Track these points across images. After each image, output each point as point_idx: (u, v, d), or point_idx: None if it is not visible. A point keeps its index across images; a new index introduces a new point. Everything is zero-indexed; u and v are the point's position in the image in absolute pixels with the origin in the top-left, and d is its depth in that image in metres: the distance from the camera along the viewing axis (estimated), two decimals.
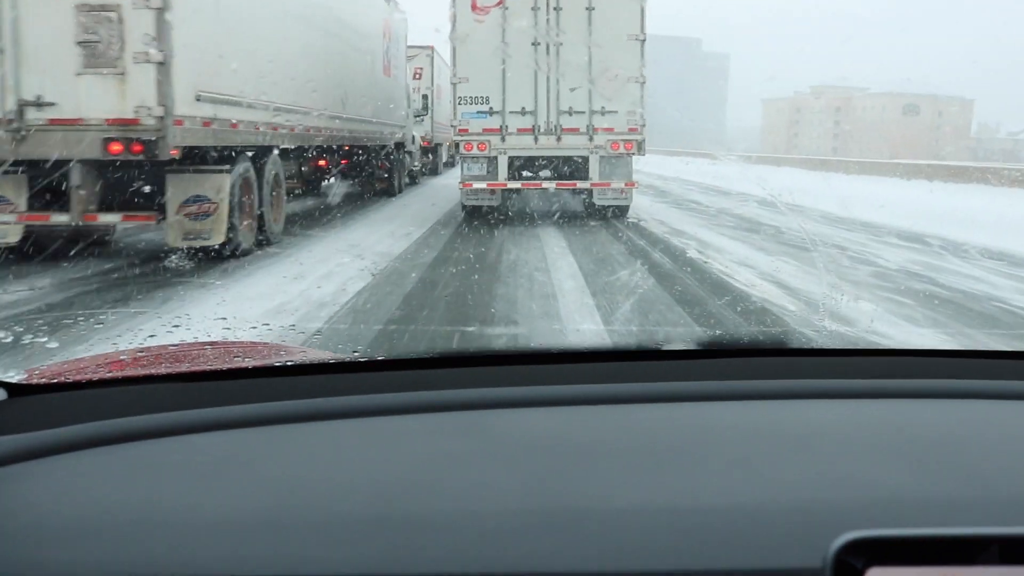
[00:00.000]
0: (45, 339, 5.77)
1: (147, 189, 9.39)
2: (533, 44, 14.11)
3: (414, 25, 30.11)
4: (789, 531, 0.86)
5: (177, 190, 9.35)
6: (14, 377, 1.23)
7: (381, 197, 19.31)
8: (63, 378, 1.36)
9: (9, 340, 5.60)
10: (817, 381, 1.27)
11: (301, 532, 0.88)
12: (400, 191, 20.87)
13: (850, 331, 6.45)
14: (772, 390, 1.24)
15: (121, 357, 1.76)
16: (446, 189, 21.86)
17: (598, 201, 14.48)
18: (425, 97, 26.65)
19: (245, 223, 10.35)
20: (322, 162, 17.12)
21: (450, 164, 35.31)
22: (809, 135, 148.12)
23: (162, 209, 9.33)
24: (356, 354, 2.18)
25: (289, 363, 1.41)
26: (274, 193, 11.61)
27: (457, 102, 14.30)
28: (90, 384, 1.27)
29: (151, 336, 6.09)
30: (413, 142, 23.63)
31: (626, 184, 14.32)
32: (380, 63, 19.05)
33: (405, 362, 1.35)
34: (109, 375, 1.44)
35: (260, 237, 10.94)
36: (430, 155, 29.80)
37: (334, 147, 16.62)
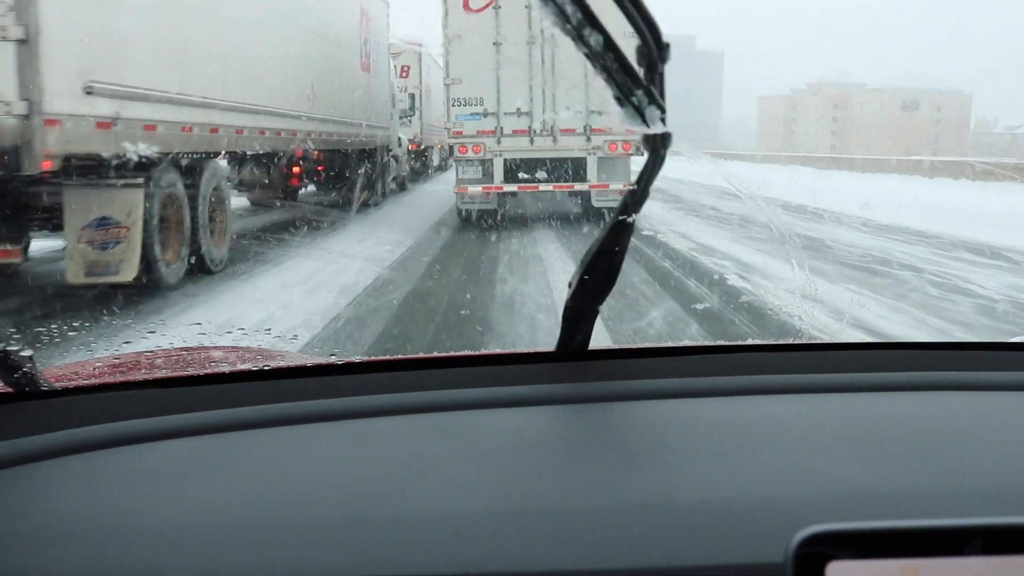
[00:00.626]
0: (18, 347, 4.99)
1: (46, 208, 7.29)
2: (527, 43, 13.69)
3: (401, 21, 28.50)
4: (754, 526, 0.86)
5: (77, 211, 7.21)
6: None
7: (363, 207, 17.22)
8: (61, 382, 1.31)
9: None
10: (789, 376, 1.26)
11: (279, 534, 0.88)
12: (384, 199, 19.08)
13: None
14: (744, 386, 1.23)
15: (97, 364, 1.77)
16: (435, 197, 20.74)
17: (596, 203, 13.98)
18: (412, 96, 24.82)
19: (170, 251, 8.20)
20: (296, 169, 15.80)
21: (442, 168, 33.84)
22: (806, 132, 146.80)
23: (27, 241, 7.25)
24: (333, 357, 1.82)
25: (267, 367, 1.35)
26: (215, 211, 9.48)
27: (450, 104, 13.93)
28: (67, 392, 1.23)
29: (126, 343, 6.03)
30: (400, 145, 21.99)
31: (624, 185, 13.55)
32: (357, 57, 16.99)
33: (380, 364, 1.34)
34: (86, 382, 1.41)
35: (195, 265, 8.81)
36: (420, 159, 28.28)
37: (305, 153, 14.90)
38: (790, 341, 1.53)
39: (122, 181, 7.41)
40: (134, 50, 7.41)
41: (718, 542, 0.85)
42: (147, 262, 7.60)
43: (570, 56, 13.13)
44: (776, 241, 11.08)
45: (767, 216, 11.11)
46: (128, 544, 0.87)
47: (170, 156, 8.22)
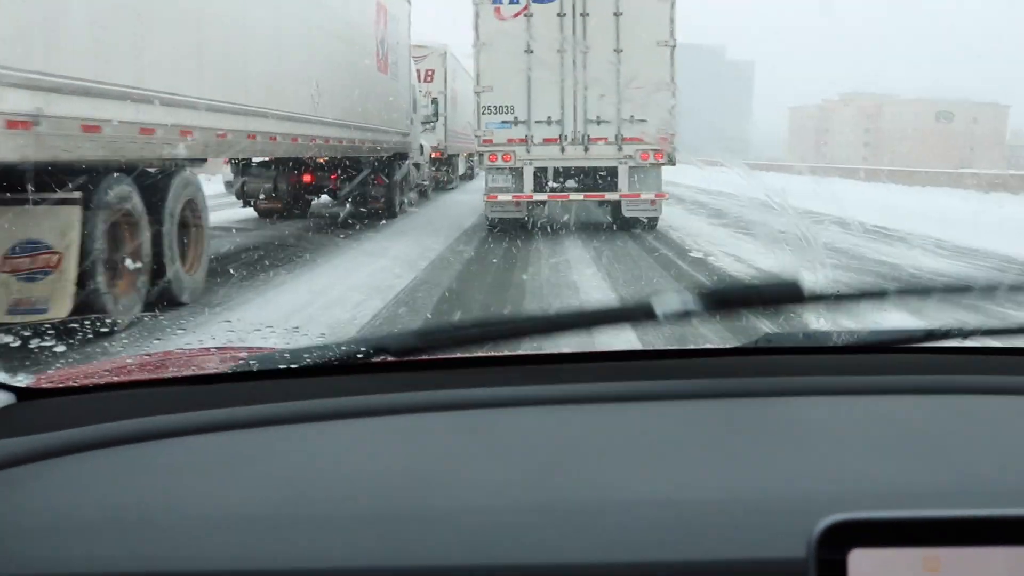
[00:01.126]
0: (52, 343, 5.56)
1: None
2: (559, 51, 13.55)
3: (425, 21, 27.29)
4: (777, 521, 0.88)
5: None
6: (23, 381, 1.24)
7: (377, 219, 16.19)
8: (70, 382, 1.35)
9: (17, 344, 5.15)
10: (808, 378, 1.27)
11: (305, 527, 0.89)
12: (401, 211, 17.53)
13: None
14: (764, 388, 1.24)
15: (128, 362, 1.78)
16: (459, 207, 19.83)
17: (627, 213, 13.97)
18: (435, 102, 23.25)
19: (122, 282, 6.69)
20: (306, 178, 15.49)
21: (468, 176, 33.29)
22: (838, 143, 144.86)
23: None
24: (359, 356, 1.32)
25: (292, 366, 1.32)
26: (187, 232, 7.95)
27: (481, 111, 13.83)
28: (96, 388, 1.28)
29: (157, 339, 6.24)
30: (421, 152, 20.55)
31: (656, 195, 13.81)
32: (372, 55, 15.54)
33: (407, 364, 1.30)
34: (115, 379, 1.43)
35: (160, 296, 7.28)
36: (444, 167, 27.10)
37: (313, 161, 14.19)
38: (811, 344, 1.38)
39: (55, 196, 5.92)
40: (68, 30, 5.88)
41: (741, 537, 0.85)
42: (88, 295, 6.09)
43: (602, 64, 13.37)
44: (849, 268, 9.61)
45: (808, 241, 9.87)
46: (156, 535, 0.89)
47: (124, 165, 6.72)
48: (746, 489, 0.94)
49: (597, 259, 11.10)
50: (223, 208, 16.12)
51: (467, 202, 20.73)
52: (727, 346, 1.37)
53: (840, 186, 27.80)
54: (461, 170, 31.24)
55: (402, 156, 17.92)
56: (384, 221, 16.16)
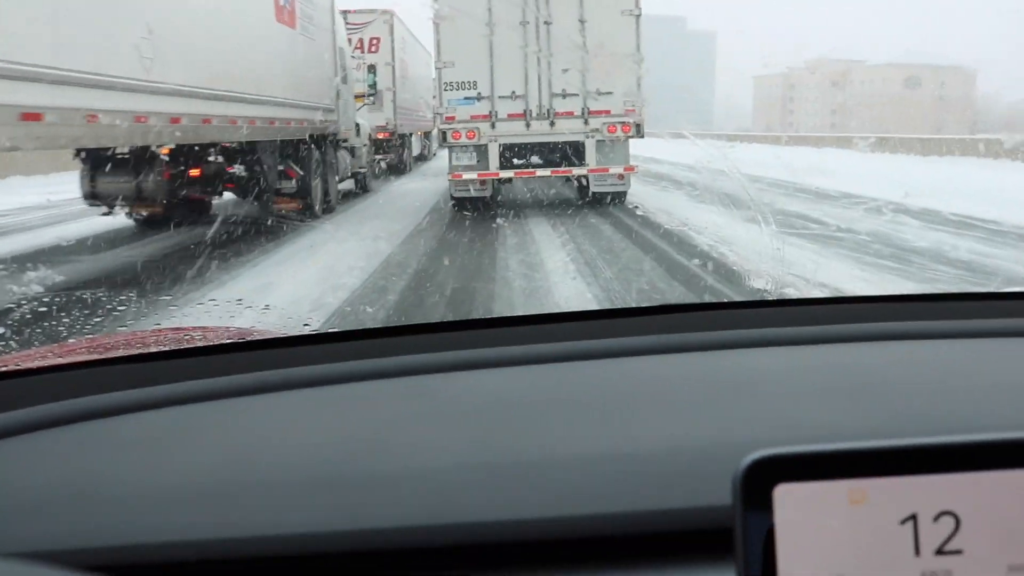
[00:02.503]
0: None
1: None
2: (521, 23, 13.58)
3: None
4: (712, 468, 0.90)
5: None
6: None
7: (293, 221, 12.45)
8: (16, 365, 1.37)
9: None
10: (754, 330, 1.32)
11: (255, 495, 0.93)
12: (328, 210, 14.34)
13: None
14: (712, 341, 1.29)
15: (73, 344, 1.82)
16: (408, 199, 16.87)
17: (595, 188, 14.10)
18: (372, 70, 20.21)
19: None
20: (194, 171, 11.34)
21: (424, 158, 31.20)
22: (805, 111, 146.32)
23: None
24: (306, 327, 2.31)
25: (237, 340, 1.43)
26: None
27: (442, 88, 13.81)
28: (43, 370, 1.31)
29: (97, 318, 6.39)
30: (358, 133, 17.58)
31: (624, 169, 13.85)
32: (270, 2, 12.19)
33: (351, 333, 1.40)
34: (62, 361, 1.47)
35: None
36: (395, 150, 24.56)
37: (206, 147, 10.84)
38: (762, 299, 1.53)
39: None
40: None
41: (679, 485, 0.91)
42: None
43: (566, 35, 13.41)
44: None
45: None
46: (107, 510, 0.91)
47: None
48: (683, 440, 1.01)
49: (566, 236, 10.97)
50: (82, 216, 12.65)
51: (420, 191, 18.26)
52: (665, 303, 1.56)
53: (831, 156, 27.08)
54: (416, 151, 28.79)
55: (327, 139, 14.85)
56: (311, 222, 12.88)
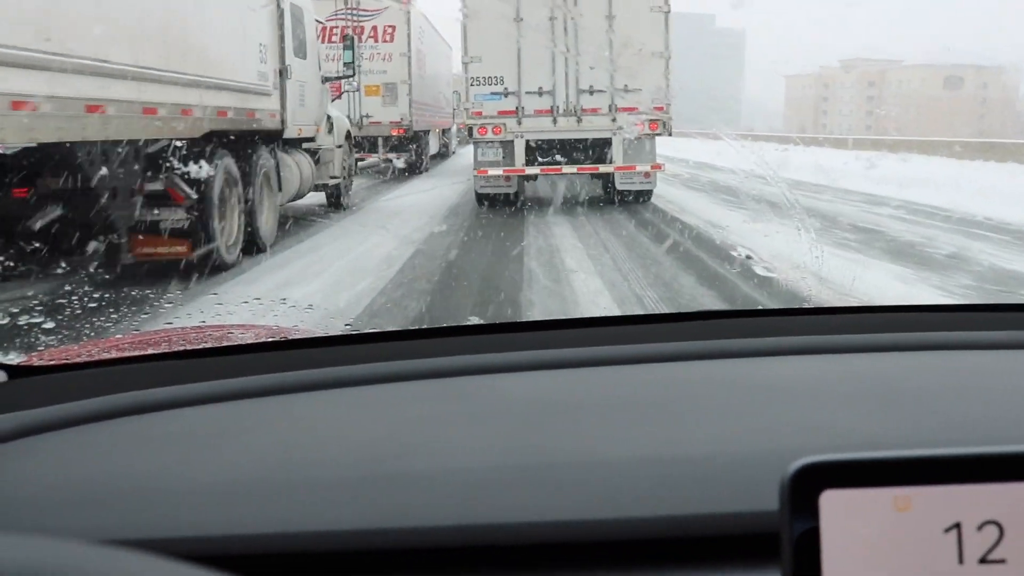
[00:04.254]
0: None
1: None
2: (549, 19, 13.97)
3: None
4: (753, 474, 0.94)
5: None
6: (14, 360, 1.33)
7: (182, 280, 8.09)
8: (62, 360, 1.45)
9: (5, 321, 5.34)
10: (792, 338, 1.38)
11: (292, 493, 0.96)
12: (256, 249, 9.97)
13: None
14: (748, 348, 1.34)
15: (119, 340, 1.98)
16: (400, 223, 12.72)
17: (620, 186, 14.34)
18: (351, 42, 15.33)
19: None
20: (19, 192, 7.24)
21: (442, 155, 29.92)
22: (839, 112, 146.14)
23: None
24: (348, 327, 2.49)
25: (280, 339, 1.51)
26: None
27: (469, 83, 14.16)
28: (88, 365, 1.38)
29: (145, 314, 6.64)
30: (331, 131, 14.04)
31: (651, 167, 14.15)
32: None
33: (393, 334, 1.47)
34: (106, 356, 1.51)
35: None
36: (411, 147, 23.04)
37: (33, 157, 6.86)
38: (797, 306, 1.58)
39: None
40: None
41: (720, 491, 0.93)
42: None
43: (594, 32, 13.80)
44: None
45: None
46: (149, 504, 0.95)
47: None
48: (723, 445, 1.03)
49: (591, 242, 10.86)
50: None
51: (423, 207, 14.80)
52: (700, 310, 1.59)
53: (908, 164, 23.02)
54: (434, 149, 27.30)
55: (255, 139, 10.16)
56: (185, 284, 8.02)
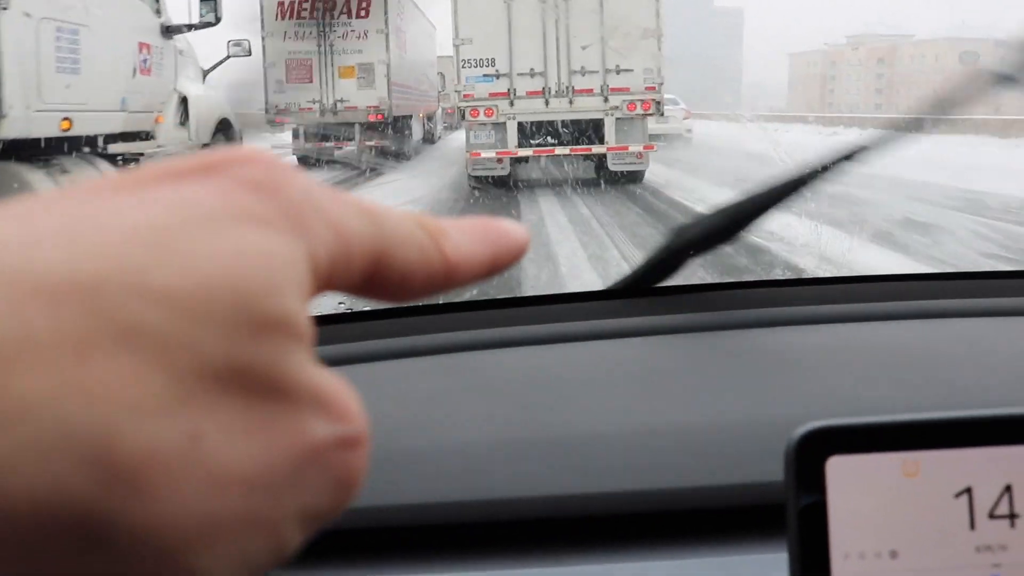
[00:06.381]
0: None
1: None
2: (540, 0, 14.67)
3: None
4: (758, 443, 0.99)
5: None
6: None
7: None
8: None
9: None
10: (787, 308, 1.44)
11: None
12: None
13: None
14: (751, 319, 1.40)
15: None
16: None
17: (612, 166, 14.85)
18: None
19: None
20: None
21: (428, 140, 28.96)
22: (846, 90, 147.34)
23: None
24: (341, 305, 1.82)
25: None
26: None
27: (460, 65, 14.82)
28: None
29: None
30: (184, 120, 10.14)
31: (644, 147, 14.80)
32: None
33: (390, 311, 1.49)
34: None
35: None
36: (391, 134, 22.32)
37: None
38: (815, 276, 1.71)
39: None
40: None
41: (724, 461, 1.00)
42: None
43: (585, 11, 14.60)
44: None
45: None
46: None
47: None
48: (728, 416, 1.10)
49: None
50: None
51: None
52: (705, 282, 1.56)
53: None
54: (417, 135, 26.54)
55: None
56: None
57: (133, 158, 8.56)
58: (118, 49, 8.31)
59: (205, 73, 10.81)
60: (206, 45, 11.33)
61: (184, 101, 9.88)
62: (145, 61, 8.89)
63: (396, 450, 1.04)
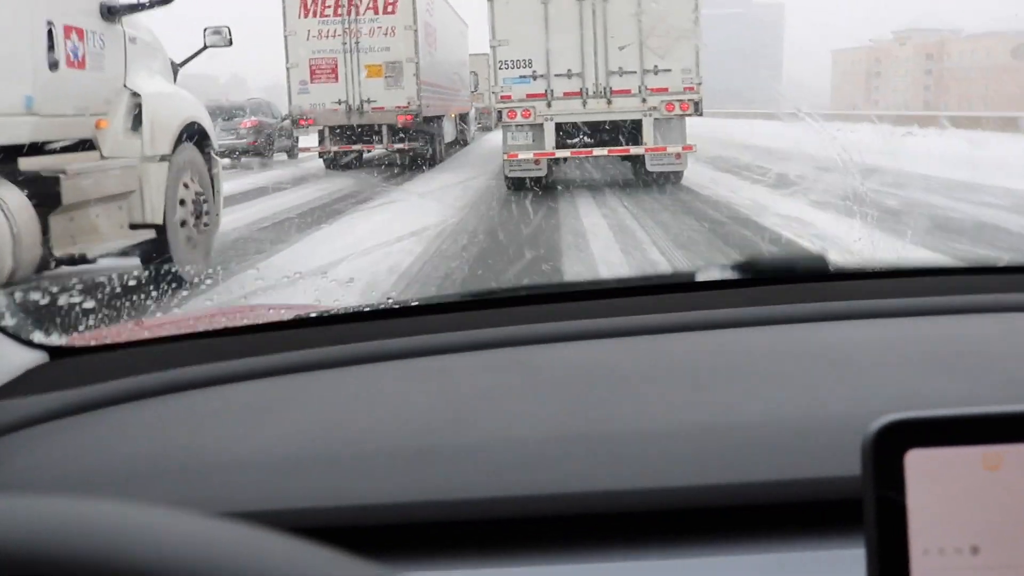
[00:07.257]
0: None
1: None
2: (577, 0, 14.90)
3: None
4: (829, 438, 1.00)
5: None
6: (56, 340, 1.42)
7: None
8: (103, 340, 1.53)
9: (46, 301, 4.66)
10: (852, 302, 1.47)
11: (348, 464, 1.05)
12: None
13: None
14: (809, 313, 1.43)
15: (155, 321, 2.11)
16: None
17: (651, 167, 15.11)
18: None
19: None
20: None
21: (459, 143, 28.72)
22: (893, 87, 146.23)
23: None
24: (390, 300, 2.34)
25: (325, 313, 1.61)
26: None
27: (497, 67, 15.11)
28: (128, 344, 1.50)
29: (184, 292, 7.46)
30: (134, 127, 7.62)
31: (683, 148, 15.02)
32: None
33: (440, 306, 1.56)
34: (146, 335, 1.63)
35: None
36: (420, 137, 21.77)
37: None
38: (853, 269, 1.72)
39: None
40: None
41: (794, 456, 0.99)
42: None
43: (622, 11, 14.87)
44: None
45: None
46: (193, 480, 1.04)
47: None
48: (793, 410, 1.10)
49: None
50: None
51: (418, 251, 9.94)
52: (755, 276, 1.56)
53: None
54: (449, 137, 25.73)
55: None
56: None
57: (52, 176, 6.41)
58: (19, 33, 6.26)
59: (177, 67, 9.06)
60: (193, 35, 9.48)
61: (137, 99, 7.66)
62: (75, 50, 6.85)
63: (444, 446, 1.07)
